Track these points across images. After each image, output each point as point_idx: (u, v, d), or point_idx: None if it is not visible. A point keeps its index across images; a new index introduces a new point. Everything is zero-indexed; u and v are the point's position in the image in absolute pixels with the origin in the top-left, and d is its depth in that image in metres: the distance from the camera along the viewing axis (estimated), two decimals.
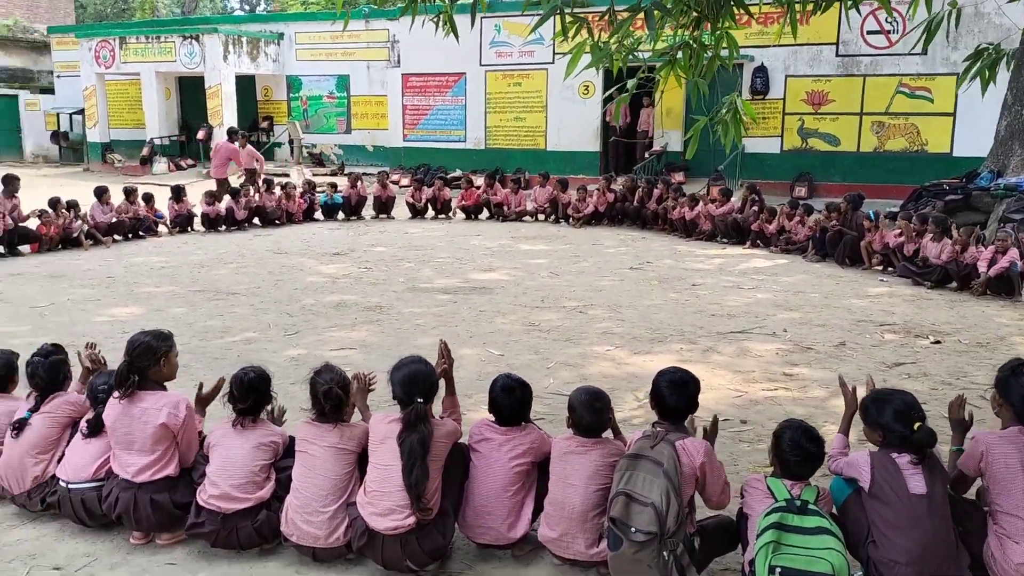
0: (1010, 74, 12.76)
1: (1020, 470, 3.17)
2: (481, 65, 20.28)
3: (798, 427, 3.23)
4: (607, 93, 5.19)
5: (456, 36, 4.78)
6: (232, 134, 16.56)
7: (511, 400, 3.55)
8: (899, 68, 16.45)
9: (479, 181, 15.97)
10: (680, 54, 4.87)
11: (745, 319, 7.91)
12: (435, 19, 4.83)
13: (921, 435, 3.15)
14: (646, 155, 18.27)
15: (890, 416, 3.23)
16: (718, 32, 4.78)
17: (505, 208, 15.17)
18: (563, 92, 19.21)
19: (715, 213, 12.82)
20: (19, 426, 3.81)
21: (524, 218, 15.22)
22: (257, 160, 16.11)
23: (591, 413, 3.41)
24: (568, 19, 4.59)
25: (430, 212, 15.57)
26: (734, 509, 3.41)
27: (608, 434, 3.59)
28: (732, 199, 13.14)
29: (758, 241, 12.25)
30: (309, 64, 23.41)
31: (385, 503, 3.31)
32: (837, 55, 16.95)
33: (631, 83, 4.79)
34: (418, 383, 3.43)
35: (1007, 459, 3.20)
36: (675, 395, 3.31)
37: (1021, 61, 12.51)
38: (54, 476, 3.75)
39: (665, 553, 3.08)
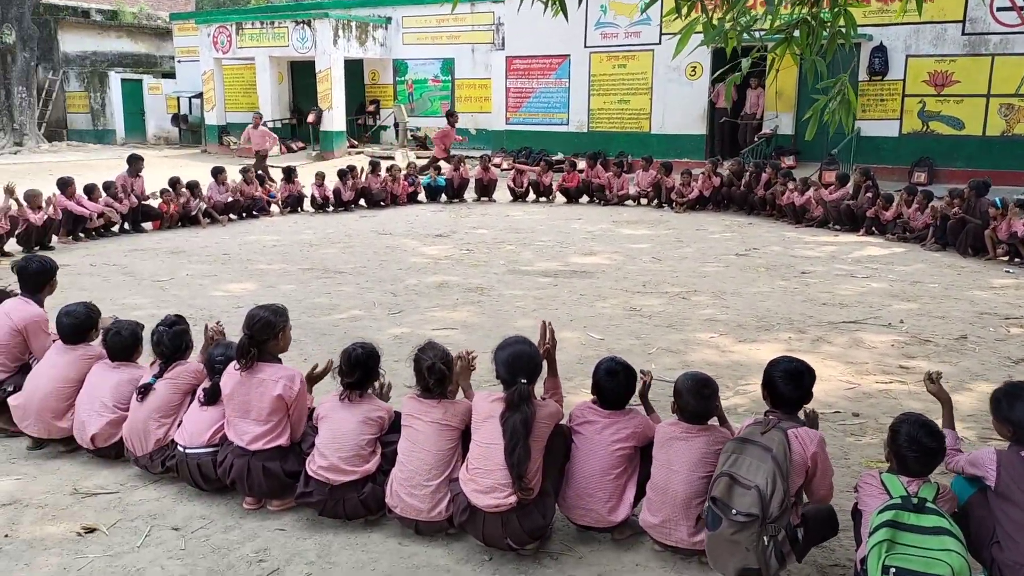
0: None
1: None
2: (586, 47, 20.08)
3: (916, 421, 3.07)
4: (717, 73, 5.03)
5: (566, 15, 4.73)
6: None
7: (615, 383, 3.51)
8: None
9: (582, 164, 15.86)
10: (797, 32, 4.67)
11: (858, 309, 7.59)
12: (544, 0, 4.78)
13: None
14: (755, 138, 17.71)
15: (1023, 412, 3.05)
16: (836, 9, 4.56)
17: (607, 192, 15.02)
18: (669, 74, 18.84)
19: (828, 198, 12.34)
20: (144, 391, 4.02)
21: (626, 202, 15.03)
22: (270, 139, 17.13)
23: (698, 399, 3.34)
24: None
25: (531, 196, 15.58)
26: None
27: (714, 422, 3.51)
28: (848, 185, 12.61)
29: (873, 228, 11.73)
30: (415, 48, 23.73)
31: (487, 481, 3.34)
32: (963, 33, 15.96)
33: (745, 63, 4.63)
34: (522, 363, 3.43)
35: None
36: (790, 385, 3.21)
37: None
38: (173, 440, 3.95)
39: (765, 538, 3.00)
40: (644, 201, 14.95)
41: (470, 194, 15.59)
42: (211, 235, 11.69)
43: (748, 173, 14.07)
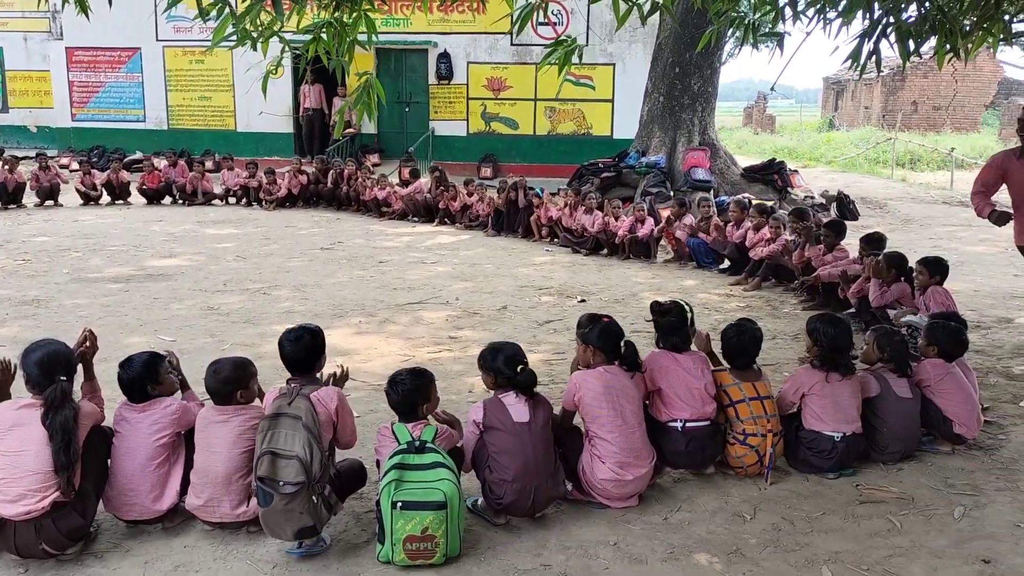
0: (650, 64, 14.64)
1: (605, 400, 3.85)
2: (158, 40, 19.02)
3: (408, 371, 3.70)
4: (265, 74, 5.28)
5: (87, 15, 4.62)
6: None
7: (129, 374, 3.64)
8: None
9: (161, 163, 15.09)
10: (324, 34, 5.09)
11: (423, 291, 8.42)
12: None
13: (523, 377, 3.73)
14: (339, 137, 18.35)
15: (501, 362, 3.78)
16: (357, 14, 5.08)
17: (190, 192, 14.51)
18: (252, 71, 18.63)
19: (402, 192, 13.33)
20: None
21: (213, 202, 14.68)
22: None
23: (216, 382, 3.58)
24: (208, 0, 4.65)
25: (106, 198, 14.46)
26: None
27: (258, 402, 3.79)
28: (421, 179, 13.72)
29: (445, 219, 12.94)
30: None
31: (15, 489, 3.23)
32: (512, 44, 18.20)
33: (272, 61, 4.98)
34: (59, 362, 3.39)
35: (594, 393, 3.87)
36: (297, 350, 3.59)
37: (657, 54, 14.39)
38: None
39: (314, 497, 3.34)
40: (233, 200, 14.74)
41: (30, 199, 13.99)
42: None
43: (333, 171, 14.59)
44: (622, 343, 4.01)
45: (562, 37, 5.41)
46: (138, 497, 3.52)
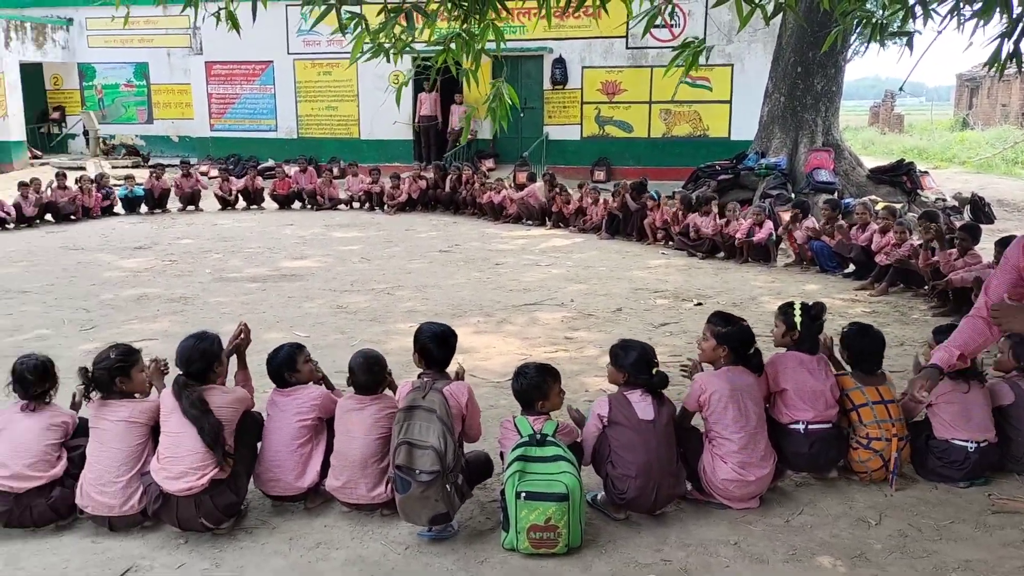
0: (770, 64, 14.35)
1: (730, 400, 3.89)
2: (289, 53, 20.05)
3: (532, 365, 3.84)
4: (399, 85, 5.57)
5: (238, 31, 5.00)
6: None
7: (277, 364, 3.97)
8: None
9: (292, 170, 15.90)
10: (453, 44, 5.32)
11: (538, 293, 8.58)
12: (216, 14, 5.02)
13: (657, 380, 3.82)
14: (455, 144, 18.80)
15: (633, 362, 3.87)
16: (485, 23, 5.27)
17: (319, 197, 15.22)
18: (374, 82, 19.36)
19: (513, 197, 13.55)
20: None
21: (339, 207, 15.34)
22: None
23: (366, 374, 3.83)
24: (345, 16, 4.95)
25: (241, 203, 15.35)
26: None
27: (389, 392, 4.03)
28: (535, 183, 13.91)
29: (559, 223, 13.08)
30: (103, 51, 22.11)
31: (178, 467, 3.57)
32: (627, 47, 18.20)
33: (409, 73, 5.22)
34: (193, 356, 3.72)
35: (720, 393, 3.91)
36: (439, 347, 3.78)
37: (778, 54, 14.10)
38: None
39: (448, 486, 3.53)
40: (356, 205, 15.36)
41: (174, 204, 15.03)
42: None
43: (451, 176, 14.99)
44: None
45: (687, 39, 5.43)
46: (282, 474, 3.82)
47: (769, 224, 10.04)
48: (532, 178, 14.10)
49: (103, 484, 3.61)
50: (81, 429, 3.80)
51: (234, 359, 4.09)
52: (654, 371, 3.83)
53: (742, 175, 13.26)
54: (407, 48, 5.22)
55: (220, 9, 4.99)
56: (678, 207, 11.00)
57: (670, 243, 11.24)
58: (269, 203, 15.47)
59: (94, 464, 3.66)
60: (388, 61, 5.10)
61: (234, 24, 4.96)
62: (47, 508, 3.64)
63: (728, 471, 3.81)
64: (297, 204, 15.41)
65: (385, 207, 14.79)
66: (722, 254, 10.34)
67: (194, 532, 3.66)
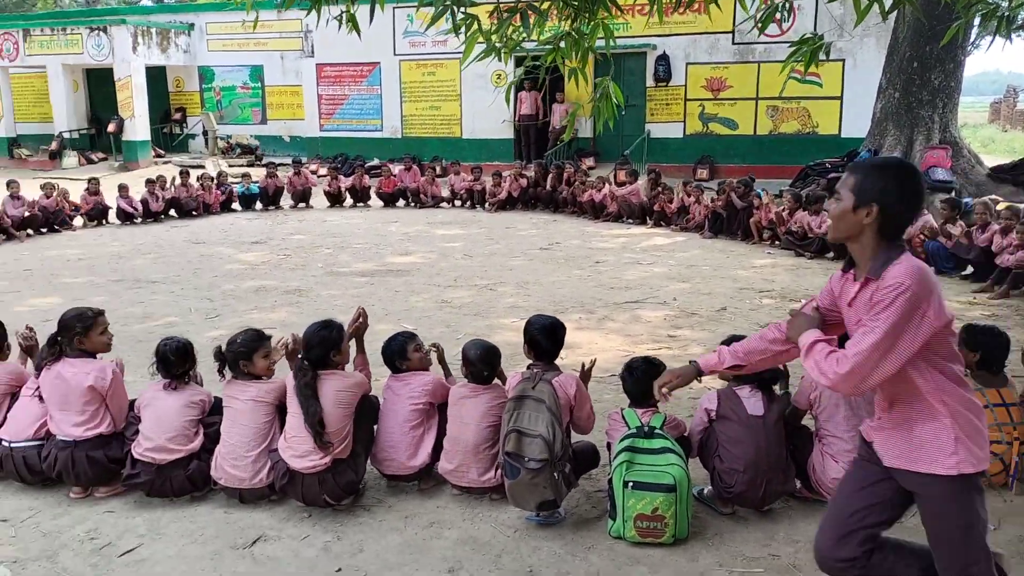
0: (884, 59, 13.86)
1: (841, 399, 3.85)
2: (395, 55, 20.60)
3: (643, 359, 3.93)
4: (508, 84, 5.69)
5: (359, 33, 5.23)
6: None
7: (389, 352, 4.19)
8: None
9: (397, 169, 16.35)
10: (563, 43, 5.40)
11: (640, 291, 8.59)
12: (338, 17, 5.26)
13: (769, 374, 3.83)
14: (557, 142, 18.88)
15: None
16: (595, 22, 5.34)
17: (422, 195, 15.60)
18: (476, 81, 19.68)
19: (618, 194, 13.53)
20: None
21: (441, 204, 15.67)
22: None
23: (482, 363, 3.98)
24: (459, 16, 5.10)
25: (348, 200, 15.89)
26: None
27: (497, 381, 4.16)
28: (638, 181, 13.86)
29: (660, 221, 13.00)
30: (221, 55, 23.24)
31: (303, 446, 3.80)
32: (733, 43, 17.89)
33: (519, 71, 5.34)
34: (305, 342, 3.96)
35: (831, 392, 3.87)
36: (548, 339, 3.88)
37: (893, 48, 13.61)
38: None
39: (556, 474, 3.63)
40: (458, 203, 15.66)
41: (287, 200, 15.68)
42: (8, 252, 11.19)
43: (552, 174, 15.09)
44: None
45: (803, 35, 5.35)
46: (396, 454, 4.01)
47: None
48: (634, 176, 14.05)
49: (235, 458, 3.87)
50: (216, 407, 4.08)
51: (353, 345, 4.31)
52: None
53: None
54: (518, 47, 5.33)
55: (342, 12, 5.23)
56: (787, 205, 10.78)
57: (776, 243, 11.03)
58: (374, 200, 15.95)
59: (227, 440, 3.93)
60: (499, 60, 5.21)
61: (355, 26, 5.19)
62: (185, 479, 3.93)
63: (839, 470, 3.76)
64: (401, 202, 15.82)
65: (486, 205, 15.03)
66: (831, 254, 10.08)
67: (317, 507, 3.88)
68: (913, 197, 2.47)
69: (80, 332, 4.04)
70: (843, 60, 17.15)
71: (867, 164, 2.56)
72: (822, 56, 5.20)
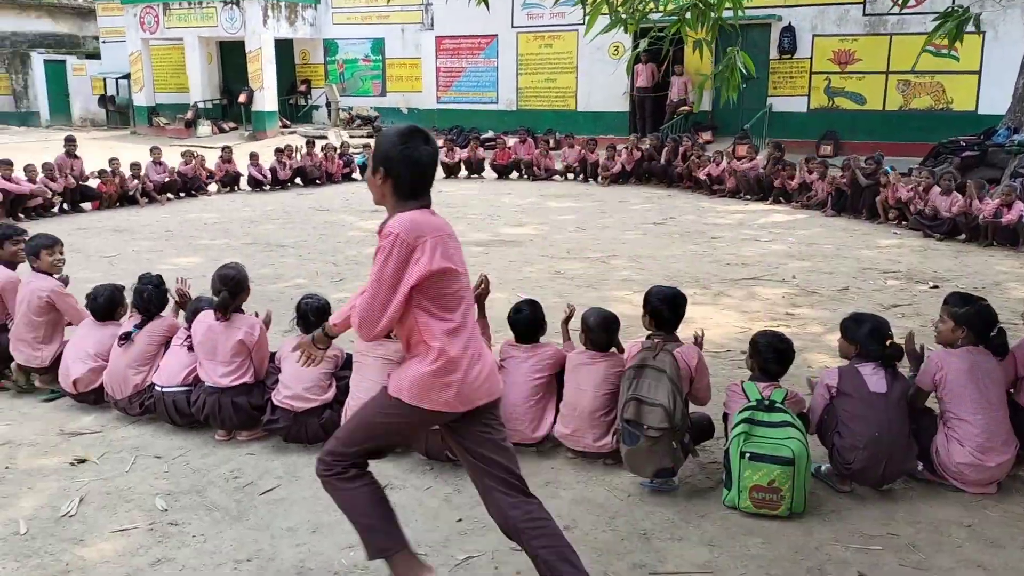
0: None
1: (969, 381, 3.75)
2: (513, 27, 20.69)
3: (769, 333, 3.91)
4: (631, 55, 5.68)
5: (487, 5, 5.34)
6: None
7: (520, 317, 4.27)
8: (926, 27, 16.55)
9: (511, 141, 16.50)
10: (689, 14, 5.35)
11: (757, 268, 8.45)
12: None
13: (892, 351, 3.78)
14: (674, 115, 18.59)
15: (867, 333, 3.83)
16: None
17: (536, 168, 15.70)
18: (593, 53, 19.55)
19: (739, 168, 13.23)
20: (126, 337, 4.55)
21: (554, 177, 15.74)
22: None
23: (602, 330, 4.06)
24: None
25: (463, 172, 16.16)
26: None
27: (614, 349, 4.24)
28: (758, 156, 13.52)
29: (780, 198, 12.67)
30: (345, 28, 23.94)
31: None
32: (864, 14, 17.10)
33: (643, 43, 5.33)
34: None
35: (958, 373, 3.78)
36: (670, 309, 3.92)
37: None
38: (151, 384, 4.50)
39: (674, 443, 3.69)
40: (571, 176, 15.69)
41: None
42: (151, 214, 11.99)
43: (667, 148, 14.90)
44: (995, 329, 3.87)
45: (947, 8, 5.11)
46: (519, 425, 4.14)
47: (1020, 205, 9.21)
48: (755, 151, 13.71)
49: None
50: (348, 362, 4.33)
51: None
52: (888, 343, 3.77)
53: (990, 152, 12.13)
54: (644, 17, 5.33)
55: None
56: (918, 184, 10.32)
57: (903, 223, 10.60)
58: (488, 172, 16.17)
59: (355, 393, 4.16)
60: (625, 32, 5.23)
61: (484, 0, 5.30)
62: (319, 427, 4.20)
63: (965, 455, 3.68)
64: (515, 174, 15.98)
65: (599, 178, 15.00)
66: (963, 236, 9.61)
67: (439, 461, 4.08)
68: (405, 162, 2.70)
69: (242, 290, 4.40)
70: (983, 32, 16.11)
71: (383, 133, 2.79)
72: (970, 28, 4.95)
